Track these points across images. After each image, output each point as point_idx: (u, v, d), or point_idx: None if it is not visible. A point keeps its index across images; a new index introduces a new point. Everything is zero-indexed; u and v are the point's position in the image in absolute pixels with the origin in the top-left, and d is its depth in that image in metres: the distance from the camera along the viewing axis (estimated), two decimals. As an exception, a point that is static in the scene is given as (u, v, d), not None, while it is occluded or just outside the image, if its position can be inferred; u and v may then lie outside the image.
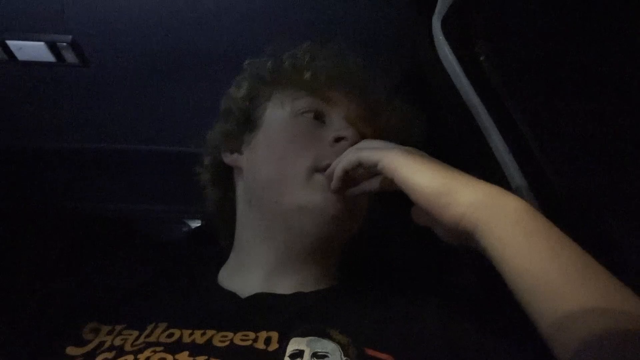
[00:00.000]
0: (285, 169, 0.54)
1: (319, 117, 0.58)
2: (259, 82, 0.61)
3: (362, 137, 0.57)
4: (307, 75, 0.58)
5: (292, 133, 0.56)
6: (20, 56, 0.76)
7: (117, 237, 1.20)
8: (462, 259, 0.76)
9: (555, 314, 0.34)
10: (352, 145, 0.53)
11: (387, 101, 0.61)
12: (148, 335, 0.47)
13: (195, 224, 1.22)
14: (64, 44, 0.73)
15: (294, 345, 0.43)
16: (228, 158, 0.62)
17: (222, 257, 0.63)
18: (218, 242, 0.68)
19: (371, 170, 0.49)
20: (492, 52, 0.63)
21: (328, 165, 0.52)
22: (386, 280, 0.58)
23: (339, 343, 0.43)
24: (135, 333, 0.48)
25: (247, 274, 0.57)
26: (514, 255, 0.37)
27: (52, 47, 0.74)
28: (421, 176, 0.43)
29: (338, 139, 0.55)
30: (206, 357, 0.43)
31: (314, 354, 0.42)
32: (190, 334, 0.46)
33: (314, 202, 0.52)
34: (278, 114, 0.59)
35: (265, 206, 0.56)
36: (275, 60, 0.61)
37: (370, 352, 0.43)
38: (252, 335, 0.45)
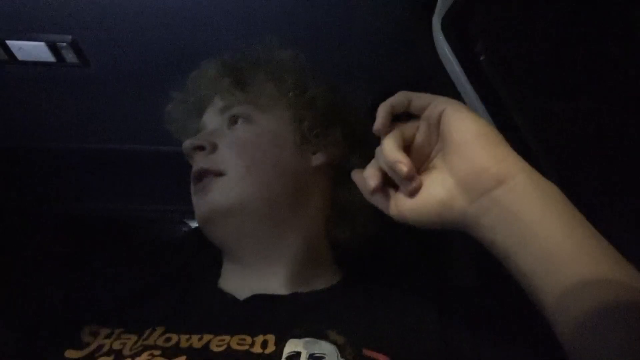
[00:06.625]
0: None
1: None
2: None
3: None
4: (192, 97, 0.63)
5: None
6: (20, 56, 0.76)
7: (117, 237, 1.20)
8: (462, 260, 0.76)
9: (566, 281, 0.33)
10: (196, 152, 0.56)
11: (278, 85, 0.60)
12: (146, 339, 0.47)
13: (195, 223, 1.22)
14: (64, 44, 0.73)
15: (290, 347, 0.43)
16: None
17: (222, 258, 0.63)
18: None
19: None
20: (492, 52, 0.63)
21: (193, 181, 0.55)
22: (385, 280, 0.58)
23: (336, 344, 0.43)
24: (134, 337, 0.48)
25: (239, 277, 0.57)
26: (544, 237, 0.35)
27: (52, 47, 0.74)
28: (485, 149, 0.37)
29: (187, 153, 0.58)
30: None
31: (311, 356, 0.42)
32: (188, 339, 0.46)
33: (196, 212, 0.55)
34: None
35: None
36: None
37: (368, 352, 0.43)
38: (248, 339, 0.45)
